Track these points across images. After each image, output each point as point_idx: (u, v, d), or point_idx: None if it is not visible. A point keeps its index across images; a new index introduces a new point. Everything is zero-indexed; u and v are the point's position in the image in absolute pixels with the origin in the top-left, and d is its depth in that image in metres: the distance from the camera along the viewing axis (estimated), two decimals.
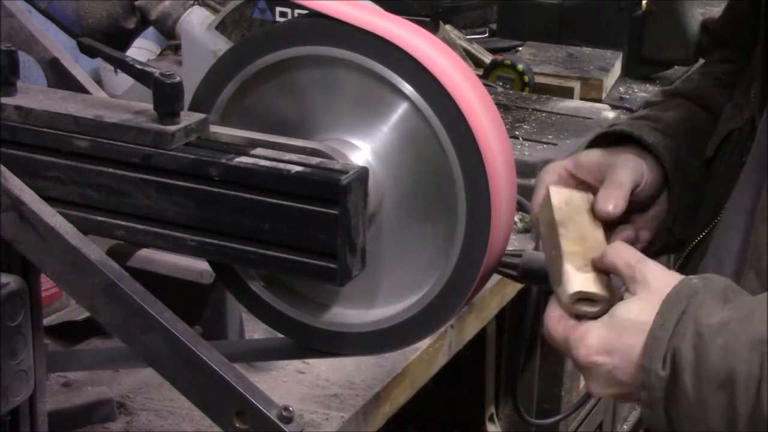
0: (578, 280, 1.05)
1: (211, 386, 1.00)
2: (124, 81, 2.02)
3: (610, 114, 2.36)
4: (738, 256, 1.16)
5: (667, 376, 0.98)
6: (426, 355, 1.58)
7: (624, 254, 1.05)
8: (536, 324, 2.36)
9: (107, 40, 1.66)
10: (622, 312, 1.02)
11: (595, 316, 1.04)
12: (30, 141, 1.05)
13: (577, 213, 1.15)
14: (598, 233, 1.13)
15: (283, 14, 1.56)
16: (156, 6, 1.70)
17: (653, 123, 1.32)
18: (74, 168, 1.04)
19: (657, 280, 1.02)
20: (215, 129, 1.07)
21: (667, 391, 0.98)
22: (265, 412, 0.98)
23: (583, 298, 1.04)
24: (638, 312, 1.01)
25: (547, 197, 1.16)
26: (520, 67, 2.61)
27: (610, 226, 1.20)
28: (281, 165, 1.01)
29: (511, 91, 2.57)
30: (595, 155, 1.25)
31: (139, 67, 1.10)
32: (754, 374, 0.94)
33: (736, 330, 0.97)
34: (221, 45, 1.59)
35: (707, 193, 1.28)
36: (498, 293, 1.83)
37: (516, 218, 1.88)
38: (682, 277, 1.03)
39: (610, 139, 1.31)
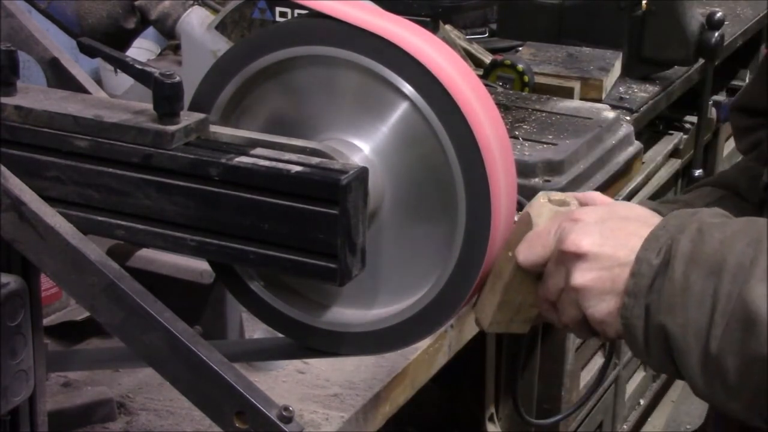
0: None
1: (211, 386, 1.00)
2: (124, 81, 2.02)
3: (610, 114, 2.36)
4: None
5: (659, 263, 1.00)
6: (426, 355, 1.58)
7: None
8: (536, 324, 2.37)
9: (107, 40, 1.66)
10: (622, 210, 1.06)
11: None
12: (30, 141, 1.05)
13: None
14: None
15: (283, 14, 1.56)
16: (156, 6, 1.70)
17: (681, 205, 1.31)
18: (74, 168, 1.05)
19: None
20: (215, 129, 1.07)
21: (654, 279, 1.00)
22: (265, 411, 0.98)
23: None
24: (641, 211, 1.06)
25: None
26: (520, 67, 2.61)
27: None
28: (281, 165, 1.01)
29: (511, 91, 2.57)
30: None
31: (139, 67, 1.10)
32: (743, 266, 0.96)
33: (737, 229, 1.00)
34: (221, 45, 1.59)
35: None
36: None
37: (516, 218, 1.88)
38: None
39: None
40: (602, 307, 1.04)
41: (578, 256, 1.04)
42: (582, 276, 1.04)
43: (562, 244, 1.06)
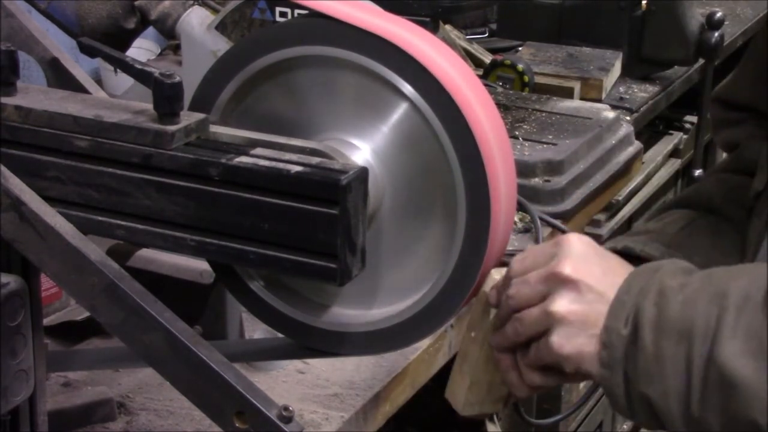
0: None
1: (211, 386, 1.00)
2: (124, 81, 2.02)
3: (610, 114, 2.36)
4: None
5: (628, 333, 1.00)
6: (426, 355, 1.58)
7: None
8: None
9: (107, 40, 1.66)
10: (588, 283, 1.04)
11: None
12: (30, 141, 1.05)
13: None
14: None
15: (283, 14, 1.56)
16: (156, 6, 1.70)
17: (651, 236, 1.30)
18: (74, 168, 1.05)
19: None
20: (215, 129, 1.07)
21: (627, 349, 1.00)
22: (265, 411, 0.98)
23: None
24: (603, 285, 1.03)
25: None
26: (520, 67, 2.61)
27: None
28: (281, 165, 1.01)
29: (511, 91, 2.56)
30: None
31: (139, 67, 1.10)
32: (710, 326, 0.96)
33: (696, 287, 0.99)
34: (221, 45, 1.59)
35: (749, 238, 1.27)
36: None
37: (516, 218, 1.88)
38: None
39: None
40: (573, 343, 1.03)
41: (569, 283, 1.04)
42: (566, 305, 1.03)
43: (556, 266, 1.05)
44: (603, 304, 1.03)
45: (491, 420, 2.41)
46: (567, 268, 1.04)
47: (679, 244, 1.28)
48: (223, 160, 1.01)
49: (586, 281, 1.03)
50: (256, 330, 1.49)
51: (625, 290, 1.02)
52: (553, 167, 2.04)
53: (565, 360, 1.04)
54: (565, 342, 1.03)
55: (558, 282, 1.04)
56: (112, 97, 1.16)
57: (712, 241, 1.30)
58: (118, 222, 1.06)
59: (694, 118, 3.22)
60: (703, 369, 0.96)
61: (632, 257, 1.24)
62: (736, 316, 0.95)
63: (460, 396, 1.15)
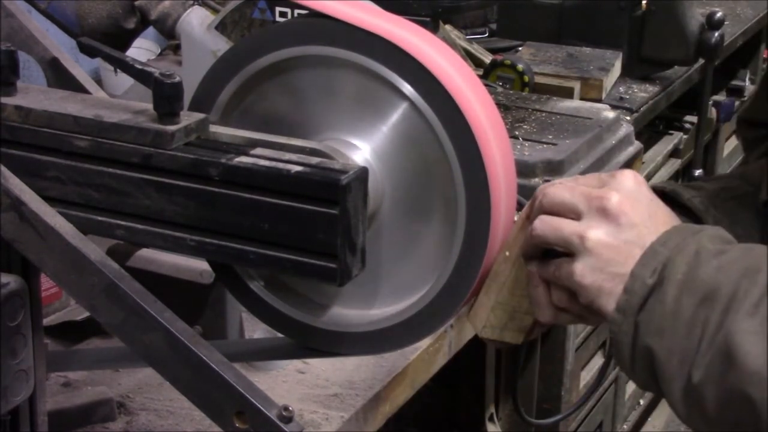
0: None
1: (211, 386, 1.00)
2: (124, 81, 2.02)
3: (610, 114, 2.36)
4: None
5: (653, 284, 0.99)
6: (426, 355, 1.58)
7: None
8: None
9: (107, 40, 1.66)
10: (631, 220, 1.02)
11: None
12: (30, 141, 1.05)
13: None
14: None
15: (283, 14, 1.56)
16: (156, 6, 1.70)
17: (703, 196, 1.28)
18: (74, 168, 1.05)
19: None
20: (215, 129, 1.07)
21: (646, 299, 0.98)
22: (265, 411, 0.98)
23: None
24: (644, 229, 1.01)
25: None
26: (520, 67, 2.61)
27: None
28: (281, 165, 1.01)
29: (511, 91, 2.56)
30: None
31: (139, 67, 1.10)
32: (736, 297, 0.95)
33: (733, 257, 0.98)
34: (221, 45, 1.59)
35: None
36: None
37: (516, 218, 1.88)
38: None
39: None
40: (596, 276, 1.01)
41: (610, 215, 1.01)
42: (601, 236, 1.01)
43: (605, 193, 1.02)
44: (637, 248, 1.00)
45: (491, 420, 2.41)
46: (613, 199, 1.02)
47: (726, 210, 1.27)
48: (223, 160, 1.01)
49: (628, 218, 1.01)
50: (256, 330, 1.49)
51: (661, 242, 1.00)
52: (553, 167, 2.04)
53: (582, 289, 1.02)
54: (588, 272, 1.01)
55: (599, 209, 1.02)
56: (112, 97, 1.16)
57: (754, 220, 1.28)
58: (118, 222, 1.06)
59: (694, 118, 3.22)
60: (714, 336, 0.94)
61: (677, 205, 1.23)
62: (762, 294, 0.94)
63: (482, 316, 1.11)
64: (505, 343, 1.13)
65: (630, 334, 1.00)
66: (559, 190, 1.05)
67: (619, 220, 1.01)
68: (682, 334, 0.96)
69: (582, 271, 1.02)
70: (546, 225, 1.05)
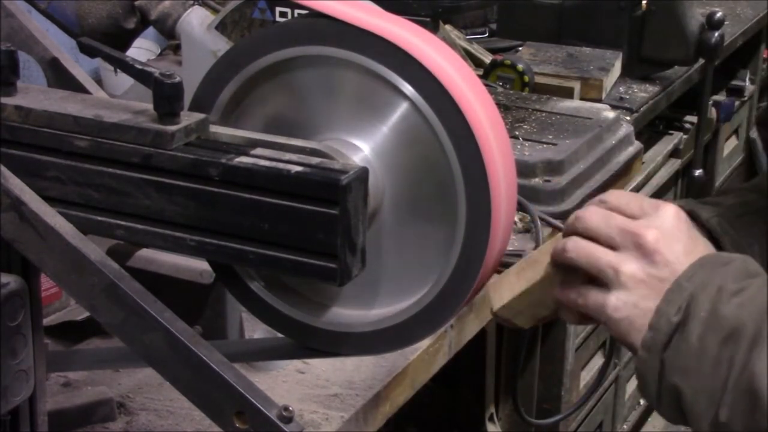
0: None
1: (211, 386, 1.00)
2: (124, 81, 2.02)
3: (610, 114, 2.36)
4: None
5: (677, 322, 0.98)
6: (426, 355, 1.58)
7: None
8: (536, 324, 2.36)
9: (107, 40, 1.66)
10: (666, 258, 1.01)
11: None
12: (30, 141, 1.05)
13: None
14: None
15: (283, 14, 1.56)
16: (156, 6, 1.70)
17: (722, 210, 1.27)
18: (74, 168, 1.05)
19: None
20: (215, 129, 1.07)
21: (671, 337, 0.98)
22: (265, 411, 0.98)
23: None
24: (679, 266, 1.01)
25: None
26: (520, 67, 2.61)
27: None
28: (281, 165, 1.01)
29: (511, 91, 2.57)
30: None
31: (139, 67, 1.10)
32: (760, 335, 0.94)
33: (755, 293, 0.97)
34: (221, 45, 1.59)
35: None
36: None
37: (516, 218, 1.88)
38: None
39: None
40: (629, 311, 1.02)
41: (647, 251, 1.01)
42: (637, 271, 1.01)
43: (643, 227, 1.02)
44: (669, 285, 1.00)
45: (491, 420, 2.41)
46: (650, 236, 1.01)
47: (744, 225, 1.26)
48: (223, 160, 1.01)
49: (663, 257, 1.01)
50: (256, 330, 1.49)
51: (687, 276, 1.00)
52: (553, 167, 2.04)
53: (614, 323, 1.02)
54: (621, 307, 1.02)
55: (635, 245, 1.02)
56: (112, 97, 1.16)
57: None
58: (118, 222, 1.06)
59: (694, 118, 3.22)
60: (740, 375, 0.94)
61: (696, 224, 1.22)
62: None
63: (505, 296, 1.11)
64: (514, 325, 1.13)
65: (656, 371, 0.99)
66: (595, 219, 1.05)
67: (654, 258, 1.01)
68: (708, 373, 0.96)
69: (615, 304, 1.02)
70: (580, 250, 1.05)
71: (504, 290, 1.11)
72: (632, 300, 1.01)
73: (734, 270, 1.01)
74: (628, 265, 1.02)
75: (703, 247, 1.05)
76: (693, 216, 1.23)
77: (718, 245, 1.23)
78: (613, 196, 1.07)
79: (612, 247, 1.03)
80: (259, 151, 1.04)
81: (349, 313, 1.14)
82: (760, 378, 0.93)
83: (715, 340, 0.96)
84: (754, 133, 4.27)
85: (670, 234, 1.03)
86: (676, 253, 1.02)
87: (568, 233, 1.08)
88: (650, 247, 1.01)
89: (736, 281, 0.99)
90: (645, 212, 1.05)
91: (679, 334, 0.98)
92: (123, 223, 1.05)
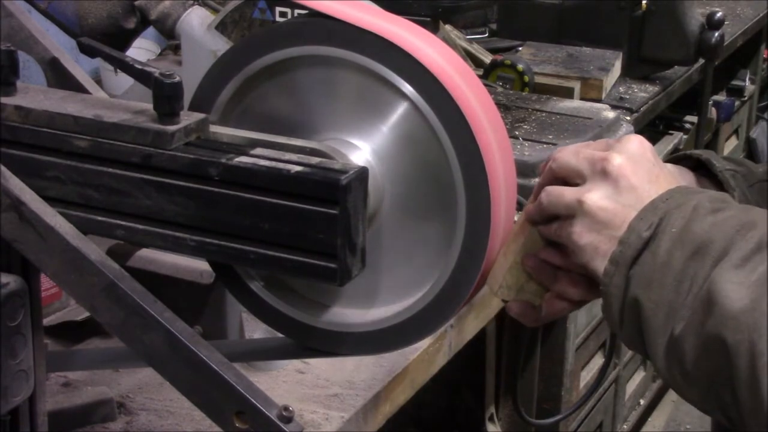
0: None
1: (211, 386, 1.00)
2: (124, 81, 2.02)
3: (610, 114, 2.36)
4: None
5: (648, 237, 0.98)
6: (426, 355, 1.58)
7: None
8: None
9: (107, 40, 1.67)
10: (630, 183, 1.02)
11: None
12: (30, 141, 1.05)
13: None
14: None
15: (283, 14, 1.56)
16: (156, 6, 1.70)
17: (734, 163, 1.27)
18: (74, 168, 1.05)
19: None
20: (215, 129, 1.07)
21: (640, 252, 0.98)
22: (265, 411, 0.98)
23: None
24: (644, 192, 1.02)
25: None
26: (520, 67, 2.61)
27: None
28: (281, 165, 1.01)
29: (511, 91, 2.57)
30: None
31: (139, 67, 1.10)
32: (726, 252, 0.94)
33: (730, 214, 0.98)
34: (221, 45, 1.59)
35: None
36: None
37: (516, 218, 1.88)
38: None
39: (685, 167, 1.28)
40: (592, 237, 1.02)
41: (609, 177, 1.02)
42: (598, 199, 1.02)
43: (607, 155, 1.03)
44: (634, 210, 1.01)
45: (491, 420, 2.41)
46: (615, 162, 1.02)
47: (762, 189, 1.26)
48: (223, 160, 1.01)
49: (628, 181, 1.01)
50: (256, 330, 1.49)
51: (663, 198, 1.01)
52: None
53: (579, 250, 1.03)
54: (585, 233, 1.02)
55: (600, 171, 1.03)
56: (112, 97, 1.16)
57: None
58: (118, 222, 1.06)
59: (694, 118, 3.22)
60: (700, 288, 0.94)
61: (709, 175, 1.23)
62: (753, 250, 0.93)
63: (498, 276, 1.11)
64: (526, 303, 1.12)
65: (621, 287, 0.99)
66: (566, 154, 1.06)
67: (618, 182, 1.02)
68: (671, 286, 0.96)
69: (579, 231, 1.02)
70: (550, 195, 1.06)
71: (497, 273, 1.11)
72: (596, 226, 1.02)
73: (710, 195, 1.01)
74: (591, 194, 1.02)
75: (668, 176, 1.05)
76: (707, 165, 1.23)
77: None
78: (580, 144, 1.08)
79: (583, 180, 1.04)
80: (259, 151, 1.04)
81: (349, 313, 1.14)
82: (717, 286, 0.92)
83: (682, 255, 0.96)
84: (754, 133, 4.27)
85: (635, 159, 1.03)
86: (641, 178, 1.02)
87: (543, 180, 1.09)
88: (615, 172, 1.02)
89: (713, 203, 1.00)
90: (610, 146, 1.06)
91: (648, 248, 0.98)
92: (123, 223, 1.05)
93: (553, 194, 1.05)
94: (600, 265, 1.01)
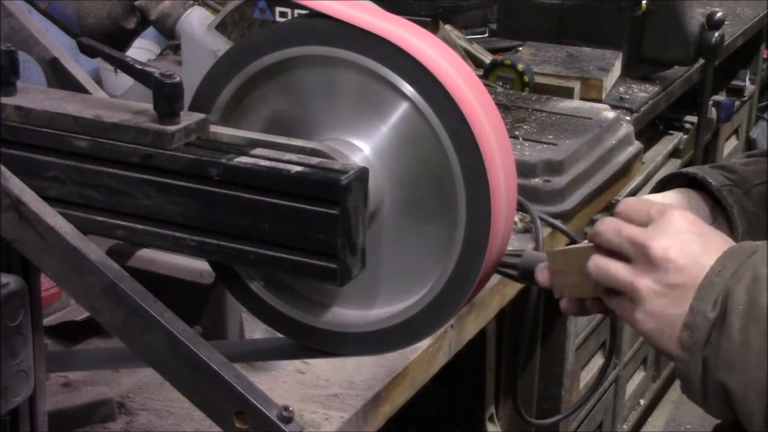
0: None
1: (211, 386, 1.00)
2: (124, 81, 2.02)
3: (610, 114, 2.36)
4: None
5: (715, 317, 0.98)
6: (426, 355, 1.58)
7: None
8: (536, 324, 2.36)
9: (107, 40, 1.67)
10: (678, 265, 1.02)
11: None
12: (30, 141, 1.05)
13: None
14: None
15: (283, 14, 1.56)
16: (156, 6, 1.70)
17: (726, 171, 1.28)
18: (74, 168, 1.05)
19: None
20: (215, 129, 1.07)
21: (710, 333, 0.98)
22: (265, 412, 0.98)
23: None
24: (698, 267, 1.01)
25: None
26: (520, 67, 2.61)
27: None
28: (281, 165, 1.01)
29: (511, 91, 2.57)
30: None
31: (139, 67, 1.10)
32: None
33: None
34: (221, 45, 1.59)
35: None
36: (498, 293, 1.83)
37: (516, 218, 1.88)
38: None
39: (679, 184, 1.29)
40: (655, 322, 1.02)
41: (658, 263, 1.02)
42: (650, 285, 1.02)
43: (650, 239, 1.03)
44: (689, 290, 1.00)
45: (491, 420, 2.41)
46: (658, 246, 1.02)
47: (759, 194, 1.27)
48: (223, 160, 1.01)
49: (675, 264, 1.01)
50: (256, 330, 1.49)
51: (716, 271, 1.00)
52: (553, 167, 2.04)
53: (645, 334, 1.03)
54: (647, 319, 1.02)
55: (645, 256, 1.02)
56: (112, 97, 1.16)
57: None
58: (118, 222, 1.06)
59: (694, 118, 3.22)
60: None
61: (707, 192, 1.23)
62: None
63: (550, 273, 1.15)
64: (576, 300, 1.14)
65: (699, 370, 0.99)
66: (608, 231, 1.06)
67: (666, 267, 1.02)
68: (755, 365, 0.96)
69: (642, 318, 1.03)
70: (600, 270, 1.07)
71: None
72: (655, 311, 1.02)
73: (763, 256, 1.00)
74: (642, 281, 1.03)
75: (718, 240, 1.05)
76: (703, 184, 1.23)
77: (727, 216, 1.22)
78: (623, 205, 1.08)
79: (628, 257, 1.05)
80: (259, 151, 1.04)
81: (349, 313, 1.14)
82: None
83: (758, 332, 0.95)
84: (754, 133, 4.27)
85: (680, 238, 1.03)
86: (690, 256, 1.02)
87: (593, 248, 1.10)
88: (659, 257, 1.02)
89: None
90: (652, 218, 1.05)
91: (719, 329, 0.98)
92: (123, 223, 1.05)
93: (604, 270, 1.06)
94: (670, 345, 1.02)
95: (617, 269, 1.05)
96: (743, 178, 1.28)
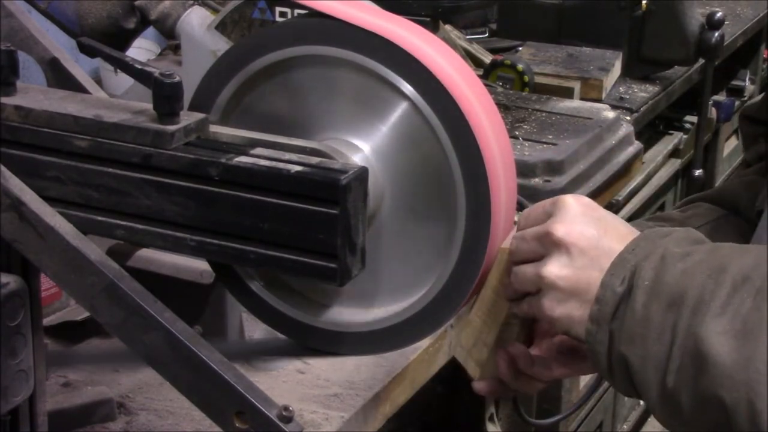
0: None
1: (211, 386, 1.00)
2: (124, 81, 2.02)
3: (610, 114, 2.36)
4: None
5: (623, 291, 0.99)
6: (426, 355, 1.57)
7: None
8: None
9: (107, 40, 1.66)
10: (581, 247, 1.03)
11: None
12: (30, 141, 1.05)
13: None
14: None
15: (283, 14, 1.56)
16: (156, 6, 1.70)
17: (675, 224, 1.29)
18: (74, 168, 1.05)
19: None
20: (215, 129, 1.07)
21: (618, 307, 0.99)
22: (265, 411, 0.98)
23: None
24: (598, 250, 1.02)
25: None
26: (520, 67, 2.61)
27: None
28: (281, 165, 1.01)
29: (511, 91, 2.56)
30: None
31: (139, 67, 1.10)
32: (702, 299, 0.95)
33: (699, 258, 0.99)
34: (221, 45, 1.59)
35: None
36: None
37: (516, 218, 1.88)
38: None
39: None
40: (563, 307, 1.03)
41: (560, 247, 1.03)
42: (556, 270, 1.02)
43: (549, 226, 1.04)
44: (594, 270, 1.01)
45: (491, 420, 2.41)
46: (559, 231, 1.03)
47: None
48: (223, 160, 1.01)
49: (578, 245, 1.02)
50: (256, 330, 1.49)
51: (629, 249, 1.01)
52: (553, 167, 2.04)
53: (555, 321, 1.04)
54: (555, 306, 1.03)
55: (550, 244, 1.03)
56: (112, 97, 1.16)
57: (733, 241, 1.29)
58: (118, 222, 1.06)
59: (694, 118, 3.22)
60: (684, 340, 0.95)
61: None
62: (729, 294, 0.95)
63: (458, 334, 1.14)
64: (468, 374, 1.15)
65: (605, 343, 1.01)
66: (518, 244, 1.07)
67: (569, 250, 1.03)
68: (653, 340, 0.97)
69: (549, 305, 1.04)
70: (515, 278, 1.07)
71: (462, 327, 1.14)
72: (563, 297, 1.03)
73: (677, 238, 1.02)
74: (547, 268, 1.03)
75: (618, 226, 1.06)
76: None
77: None
78: (521, 217, 1.09)
79: (541, 257, 1.05)
80: (259, 150, 1.04)
81: (349, 313, 1.14)
82: (705, 341, 0.93)
83: (659, 307, 0.97)
84: None
85: (579, 221, 1.04)
86: (590, 238, 1.03)
87: (509, 270, 1.10)
88: (562, 240, 1.03)
89: (680, 247, 1.00)
90: (549, 212, 1.06)
91: (624, 303, 0.99)
92: (123, 223, 1.06)
93: (517, 276, 1.07)
94: (580, 329, 1.02)
95: (525, 268, 1.06)
96: (683, 225, 1.29)
